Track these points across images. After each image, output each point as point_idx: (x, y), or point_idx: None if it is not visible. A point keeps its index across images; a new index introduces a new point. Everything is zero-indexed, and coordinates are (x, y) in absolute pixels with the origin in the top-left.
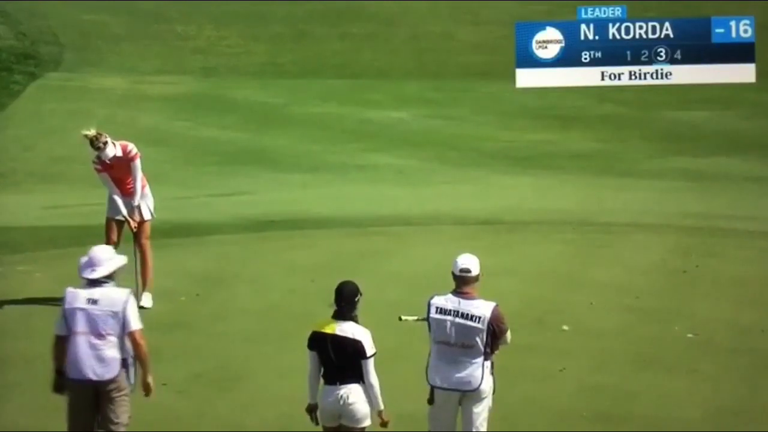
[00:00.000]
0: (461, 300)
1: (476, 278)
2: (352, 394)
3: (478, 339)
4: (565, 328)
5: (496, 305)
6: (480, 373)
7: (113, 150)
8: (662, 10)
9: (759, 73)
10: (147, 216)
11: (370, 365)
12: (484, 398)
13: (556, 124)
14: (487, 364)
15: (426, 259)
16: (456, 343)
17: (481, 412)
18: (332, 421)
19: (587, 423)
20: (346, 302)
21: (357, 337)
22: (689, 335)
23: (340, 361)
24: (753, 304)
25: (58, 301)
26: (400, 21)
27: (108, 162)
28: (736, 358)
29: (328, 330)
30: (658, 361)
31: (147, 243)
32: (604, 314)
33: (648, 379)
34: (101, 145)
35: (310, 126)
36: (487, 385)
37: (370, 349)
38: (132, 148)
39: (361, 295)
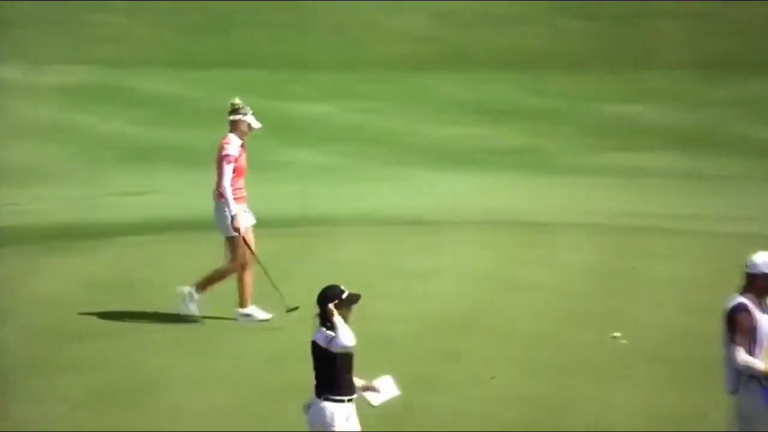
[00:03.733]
0: None
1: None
2: (326, 413)
3: None
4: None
5: None
6: None
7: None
8: None
9: (698, 65)
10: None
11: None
12: None
13: (487, 118)
14: None
15: (352, 261)
16: None
17: None
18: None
19: None
20: (319, 308)
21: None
22: (624, 341)
23: (315, 369)
24: (691, 309)
25: None
26: (322, 9)
27: (241, 146)
28: (674, 364)
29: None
30: (592, 368)
31: None
32: (537, 318)
33: (582, 386)
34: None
35: (225, 120)
36: None
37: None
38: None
39: (338, 300)
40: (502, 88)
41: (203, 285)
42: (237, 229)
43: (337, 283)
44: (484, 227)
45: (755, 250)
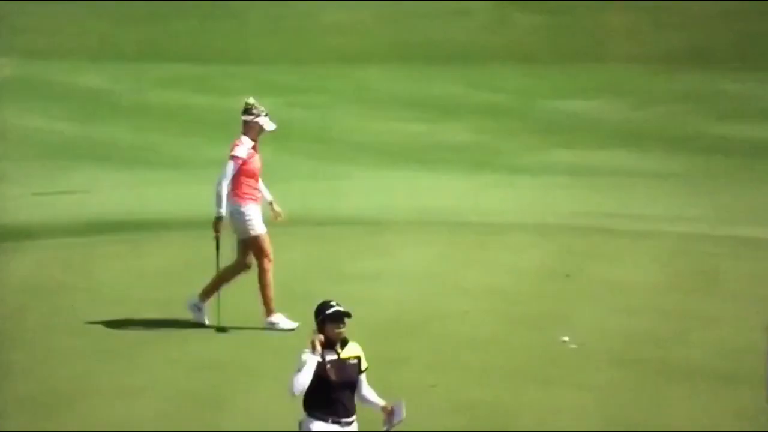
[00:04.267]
0: None
1: None
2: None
3: None
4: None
5: None
6: None
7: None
8: None
9: (650, 59)
10: None
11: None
12: None
13: (429, 114)
14: None
15: (285, 264)
16: None
17: None
18: None
19: None
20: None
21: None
22: (573, 345)
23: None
24: (641, 311)
25: None
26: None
27: (252, 147)
28: (624, 368)
29: None
30: (539, 374)
31: None
32: (481, 322)
33: (529, 393)
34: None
35: (153, 116)
36: None
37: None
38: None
39: (321, 315)
40: (446, 83)
41: (207, 293)
42: (216, 231)
43: (329, 299)
44: (429, 228)
45: (712, 252)
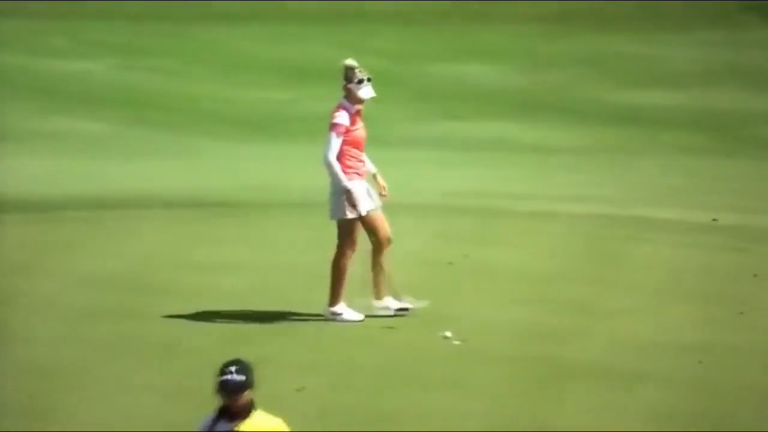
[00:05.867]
0: None
1: None
2: None
3: None
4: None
5: None
6: None
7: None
8: None
9: (542, 19)
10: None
11: None
12: None
13: (292, 80)
14: None
15: (132, 252)
16: None
17: None
18: None
19: None
20: None
21: None
22: (457, 341)
23: None
24: (534, 302)
25: None
26: None
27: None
28: (514, 366)
29: None
30: (418, 374)
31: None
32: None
33: (406, 395)
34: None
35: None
36: None
37: None
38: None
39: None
40: (310, 45)
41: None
42: (354, 206)
43: (238, 358)
44: (294, 210)
45: (612, 235)
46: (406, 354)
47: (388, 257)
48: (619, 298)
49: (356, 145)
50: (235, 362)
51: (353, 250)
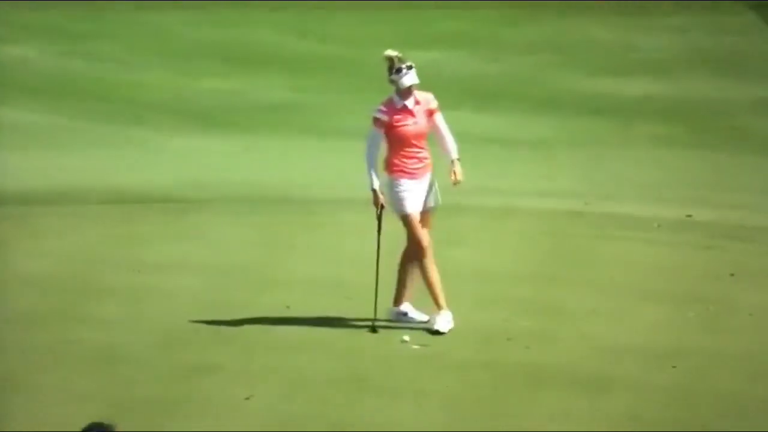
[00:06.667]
0: None
1: None
2: None
3: None
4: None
5: None
6: None
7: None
8: None
9: (503, 2)
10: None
11: None
12: None
13: (241, 68)
14: None
15: (63, 252)
16: None
17: None
18: None
19: None
20: None
21: None
22: (415, 346)
23: None
24: (497, 304)
25: None
26: None
27: (401, 108)
28: (476, 372)
29: None
30: (374, 380)
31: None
32: (306, 321)
33: (361, 404)
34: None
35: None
36: None
37: None
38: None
39: None
40: (259, 30)
41: (399, 295)
42: (381, 206)
43: (107, 423)
44: (243, 206)
45: (580, 233)
46: (363, 360)
47: (429, 266)
48: (588, 300)
49: (404, 141)
50: (96, 426)
51: (421, 248)
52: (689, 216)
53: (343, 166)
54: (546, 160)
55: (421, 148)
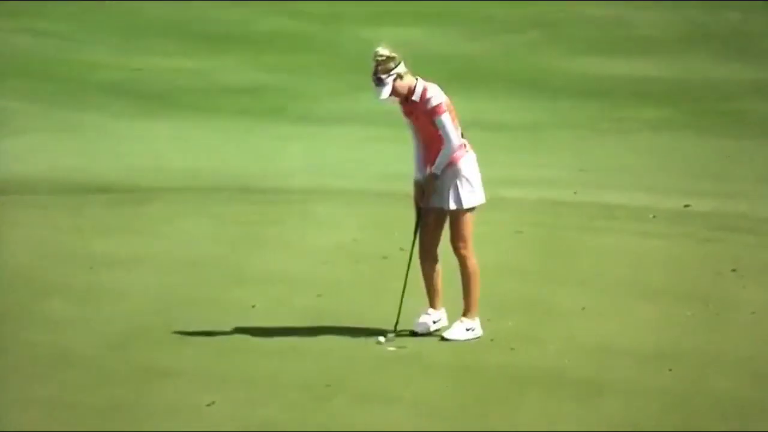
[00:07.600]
0: None
1: None
2: None
3: None
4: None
5: None
6: None
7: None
8: None
9: None
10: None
11: None
12: None
13: (203, 46)
14: None
15: (6, 245)
16: None
17: None
18: None
19: None
20: None
21: None
22: (391, 348)
23: None
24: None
25: None
26: None
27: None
28: (456, 375)
29: None
30: (349, 385)
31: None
32: (272, 320)
33: (333, 410)
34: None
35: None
36: None
37: None
38: (434, 93)
39: None
40: (223, 7)
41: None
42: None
43: None
44: (205, 196)
45: (567, 224)
46: (334, 362)
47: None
48: (577, 297)
49: (417, 135)
50: None
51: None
52: (687, 206)
53: (313, 153)
54: (532, 145)
55: (423, 144)
